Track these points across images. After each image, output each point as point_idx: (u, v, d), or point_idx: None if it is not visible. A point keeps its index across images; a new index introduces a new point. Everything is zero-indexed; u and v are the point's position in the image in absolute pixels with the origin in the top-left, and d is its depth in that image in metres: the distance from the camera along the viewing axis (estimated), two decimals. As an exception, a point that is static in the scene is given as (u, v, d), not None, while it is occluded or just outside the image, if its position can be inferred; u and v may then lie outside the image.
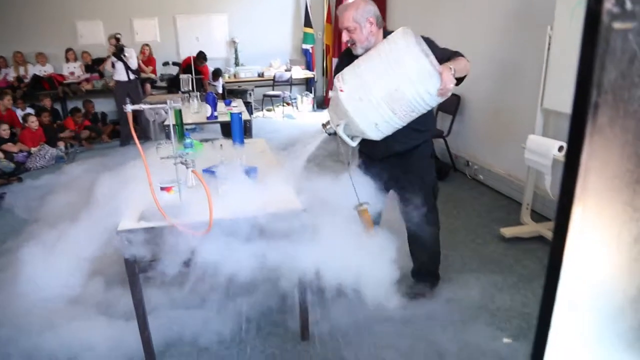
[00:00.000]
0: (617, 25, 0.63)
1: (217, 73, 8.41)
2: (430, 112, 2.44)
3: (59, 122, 7.66)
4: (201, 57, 8.23)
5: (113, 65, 6.81)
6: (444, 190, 4.29)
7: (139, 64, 8.23)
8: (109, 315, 2.64)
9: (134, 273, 2.06)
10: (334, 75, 2.31)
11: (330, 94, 2.15)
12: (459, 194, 4.57)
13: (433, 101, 2.11)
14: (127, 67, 6.79)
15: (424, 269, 2.86)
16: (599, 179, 0.75)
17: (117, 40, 6.70)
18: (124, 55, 6.71)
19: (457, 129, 5.28)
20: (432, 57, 2.03)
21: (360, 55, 2.26)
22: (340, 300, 2.66)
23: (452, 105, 5.27)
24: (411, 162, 2.60)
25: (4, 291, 2.90)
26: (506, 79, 4.47)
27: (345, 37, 2.40)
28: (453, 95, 5.33)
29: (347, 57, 2.45)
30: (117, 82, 6.93)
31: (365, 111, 2.07)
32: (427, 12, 5.97)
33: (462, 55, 2.27)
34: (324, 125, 2.24)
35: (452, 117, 5.24)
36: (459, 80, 2.20)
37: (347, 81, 2.11)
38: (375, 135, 2.18)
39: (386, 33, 2.40)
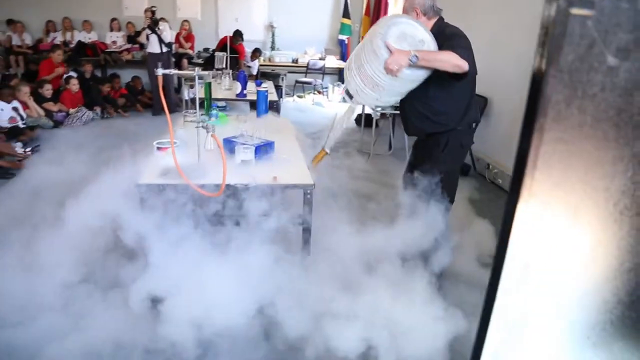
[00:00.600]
0: (575, 10, 0.71)
1: (256, 52, 8.59)
2: (447, 105, 2.52)
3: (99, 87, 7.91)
4: (237, 35, 8.40)
5: (147, 38, 7.01)
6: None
7: (178, 39, 8.48)
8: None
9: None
10: None
11: None
12: (473, 196, 4.58)
13: (387, 78, 2.35)
14: (161, 40, 6.97)
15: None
16: (553, 154, 0.82)
17: (152, 13, 6.89)
18: (158, 28, 6.90)
19: (482, 131, 5.28)
20: (389, 39, 2.32)
21: None
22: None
23: (478, 106, 5.28)
24: (427, 148, 2.72)
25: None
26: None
27: None
28: (479, 96, 5.35)
29: None
30: (150, 53, 7.11)
31: (349, 79, 2.51)
32: (459, 13, 5.96)
33: (455, 53, 2.38)
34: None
35: (477, 119, 5.25)
36: (455, 76, 2.44)
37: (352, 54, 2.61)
38: (370, 101, 2.66)
39: (441, 25, 2.70)
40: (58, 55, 7.24)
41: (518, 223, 0.83)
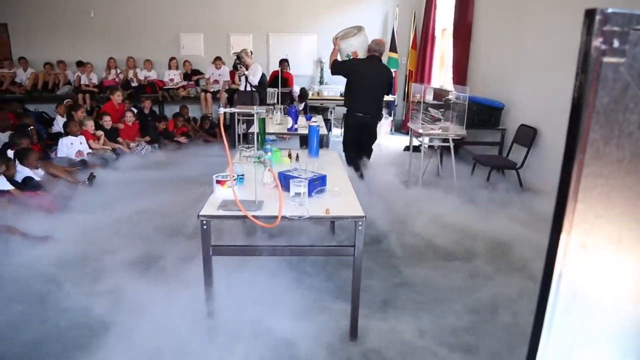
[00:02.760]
0: (607, 59, 0.79)
1: (303, 95, 8.86)
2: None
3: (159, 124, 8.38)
4: (284, 62, 8.88)
5: (239, 78, 7.66)
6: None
7: (232, 76, 8.98)
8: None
9: (208, 255, 2.34)
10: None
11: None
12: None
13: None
14: (247, 79, 7.46)
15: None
16: (594, 188, 0.88)
17: (238, 57, 7.48)
18: (241, 68, 7.41)
19: (532, 161, 5.24)
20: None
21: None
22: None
23: (527, 137, 5.25)
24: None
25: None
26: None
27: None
28: (528, 127, 5.32)
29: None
30: (238, 91, 7.75)
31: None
32: (511, 41, 6.00)
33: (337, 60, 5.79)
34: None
35: (527, 150, 5.21)
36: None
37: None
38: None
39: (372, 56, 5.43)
40: (118, 97, 7.78)
41: (562, 253, 0.88)
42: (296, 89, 9.03)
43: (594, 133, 0.82)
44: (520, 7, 5.77)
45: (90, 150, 6.14)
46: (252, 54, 7.64)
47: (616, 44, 0.77)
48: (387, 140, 8.88)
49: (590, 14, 0.76)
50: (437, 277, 3.28)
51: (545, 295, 0.92)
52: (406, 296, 3.06)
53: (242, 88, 7.63)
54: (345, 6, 9.79)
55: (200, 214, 2.29)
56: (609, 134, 0.84)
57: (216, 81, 9.50)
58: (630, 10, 0.78)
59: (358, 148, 5.42)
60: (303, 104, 8.84)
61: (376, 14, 9.95)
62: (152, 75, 9.53)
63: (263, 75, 7.66)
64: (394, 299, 3.02)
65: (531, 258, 3.50)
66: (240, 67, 7.33)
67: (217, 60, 9.46)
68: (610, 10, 0.75)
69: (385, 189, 5.10)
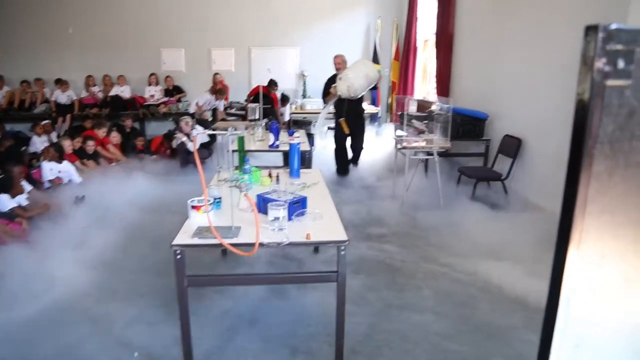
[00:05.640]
0: (611, 82, 0.69)
1: (285, 99, 8.78)
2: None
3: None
4: (272, 84, 8.67)
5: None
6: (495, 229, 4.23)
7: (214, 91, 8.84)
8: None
9: (183, 286, 2.20)
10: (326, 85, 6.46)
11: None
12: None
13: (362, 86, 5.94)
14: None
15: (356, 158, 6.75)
16: (599, 226, 0.78)
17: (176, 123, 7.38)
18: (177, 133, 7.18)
19: (517, 172, 5.18)
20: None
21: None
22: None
23: (512, 148, 5.20)
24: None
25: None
26: (570, 124, 4.35)
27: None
28: (513, 138, 5.27)
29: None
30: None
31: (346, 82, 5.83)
32: (493, 52, 5.97)
33: None
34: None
35: (512, 160, 5.15)
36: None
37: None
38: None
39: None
40: (102, 132, 7.29)
41: (565, 299, 0.78)
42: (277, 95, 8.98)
43: (597, 165, 0.72)
44: (502, 18, 5.75)
45: (76, 179, 5.85)
46: (192, 126, 7.01)
47: (621, 64, 0.67)
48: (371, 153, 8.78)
49: (591, 31, 0.66)
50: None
51: (547, 343, 0.83)
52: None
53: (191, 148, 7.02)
54: (328, 19, 9.77)
55: (173, 243, 2.15)
56: (614, 165, 0.74)
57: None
58: (635, 26, 0.68)
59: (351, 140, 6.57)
60: (287, 110, 8.77)
61: (358, 27, 9.94)
62: (125, 90, 9.33)
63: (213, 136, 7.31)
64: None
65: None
66: (176, 134, 7.11)
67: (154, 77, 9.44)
68: (613, 27, 0.65)
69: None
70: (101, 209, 4.80)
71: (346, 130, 6.25)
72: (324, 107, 6.55)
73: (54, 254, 3.67)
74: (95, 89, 9.30)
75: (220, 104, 8.85)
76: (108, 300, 3.13)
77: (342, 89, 5.85)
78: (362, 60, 6.47)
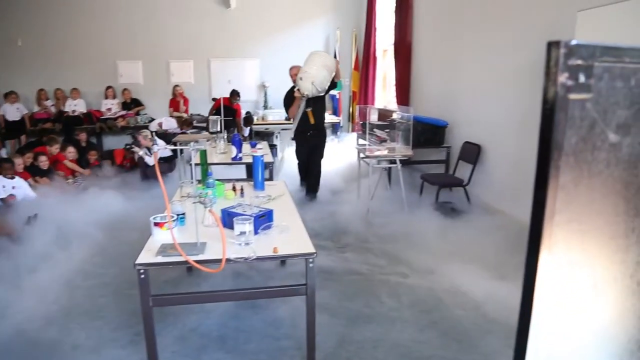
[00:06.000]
0: (573, 96, 0.71)
1: (248, 120, 8.70)
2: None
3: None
4: (235, 94, 8.63)
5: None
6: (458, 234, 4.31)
7: (174, 104, 8.70)
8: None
9: (148, 306, 2.13)
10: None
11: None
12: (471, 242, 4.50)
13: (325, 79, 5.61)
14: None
15: (312, 188, 5.99)
16: (567, 234, 0.80)
17: (133, 137, 7.17)
18: (133, 148, 6.90)
19: (477, 178, 5.30)
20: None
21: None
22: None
23: (472, 154, 5.32)
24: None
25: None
26: (528, 129, 4.48)
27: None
28: (472, 144, 5.40)
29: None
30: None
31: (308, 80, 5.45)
32: (450, 61, 6.12)
33: None
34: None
35: (472, 167, 5.27)
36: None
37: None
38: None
39: None
40: (55, 149, 7.07)
41: (537, 303, 0.79)
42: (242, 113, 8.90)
43: (564, 176, 0.74)
44: (458, 28, 5.91)
45: (31, 194, 5.60)
46: (152, 140, 6.79)
47: (582, 78, 0.69)
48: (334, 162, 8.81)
49: (553, 47, 0.67)
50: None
51: (522, 348, 0.84)
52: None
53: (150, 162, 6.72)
54: (287, 30, 9.79)
55: (137, 262, 2.08)
56: (579, 176, 0.76)
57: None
58: (593, 42, 0.70)
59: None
60: (248, 129, 8.69)
61: (318, 38, 10.00)
62: (80, 104, 9.03)
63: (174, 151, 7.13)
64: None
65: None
66: (132, 147, 6.86)
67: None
68: (574, 43, 0.67)
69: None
70: (56, 227, 4.60)
71: (312, 120, 5.82)
72: (294, 120, 5.89)
73: (6, 279, 3.51)
74: (48, 103, 8.96)
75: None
76: (66, 324, 3.00)
77: (307, 86, 5.48)
78: (314, 52, 5.86)
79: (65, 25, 9.23)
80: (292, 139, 6.06)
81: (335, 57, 9.59)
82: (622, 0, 3.32)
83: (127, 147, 7.29)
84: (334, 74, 5.73)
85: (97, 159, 7.37)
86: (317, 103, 5.88)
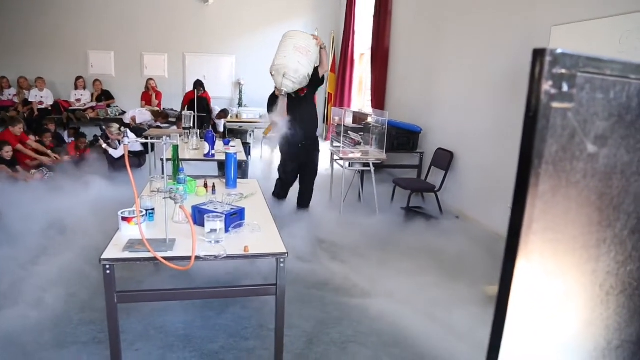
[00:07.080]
0: (556, 104, 0.71)
1: (223, 113, 8.57)
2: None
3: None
4: (198, 84, 8.21)
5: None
6: (430, 241, 4.36)
7: (147, 97, 8.50)
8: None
9: (113, 303, 2.07)
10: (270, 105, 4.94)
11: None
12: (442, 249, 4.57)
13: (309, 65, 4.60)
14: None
15: (305, 201, 5.22)
16: (542, 243, 0.81)
17: (102, 130, 6.91)
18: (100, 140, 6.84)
19: (449, 184, 5.37)
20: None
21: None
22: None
23: (444, 160, 5.39)
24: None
25: None
26: (500, 138, 4.57)
27: None
28: (445, 151, 5.46)
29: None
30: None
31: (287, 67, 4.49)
32: (426, 68, 6.19)
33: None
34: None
35: (444, 173, 5.34)
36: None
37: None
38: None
39: None
40: (19, 129, 6.87)
41: (511, 312, 0.79)
42: (217, 108, 8.75)
43: (543, 184, 0.74)
44: (435, 36, 5.98)
45: None
46: (123, 134, 6.49)
47: (565, 88, 0.69)
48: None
49: (539, 55, 0.68)
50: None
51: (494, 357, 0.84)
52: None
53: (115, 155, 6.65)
54: (265, 29, 9.73)
55: (102, 257, 2.02)
56: (557, 185, 0.77)
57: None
58: (576, 51, 0.71)
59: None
60: (222, 122, 8.57)
61: (295, 37, 9.96)
62: (45, 95, 8.71)
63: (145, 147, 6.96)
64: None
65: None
66: (100, 139, 6.75)
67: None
68: (559, 51, 0.68)
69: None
70: (19, 221, 4.44)
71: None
72: (274, 126, 4.96)
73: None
74: (11, 92, 8.65)
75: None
76: (22, 320, 2.90)
77: (280, 81, 4.51)
78: (285, 34, 4.67)
79: (32, 12, 8.96)
80: (280, 151, 5.10)
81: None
82: (595, 17, 3.42)
83: (95, 139, 7.11)
84: (314, 53, 4.59)
85: (87, 146, 7.25)
86: (300, 105, 4.82)
